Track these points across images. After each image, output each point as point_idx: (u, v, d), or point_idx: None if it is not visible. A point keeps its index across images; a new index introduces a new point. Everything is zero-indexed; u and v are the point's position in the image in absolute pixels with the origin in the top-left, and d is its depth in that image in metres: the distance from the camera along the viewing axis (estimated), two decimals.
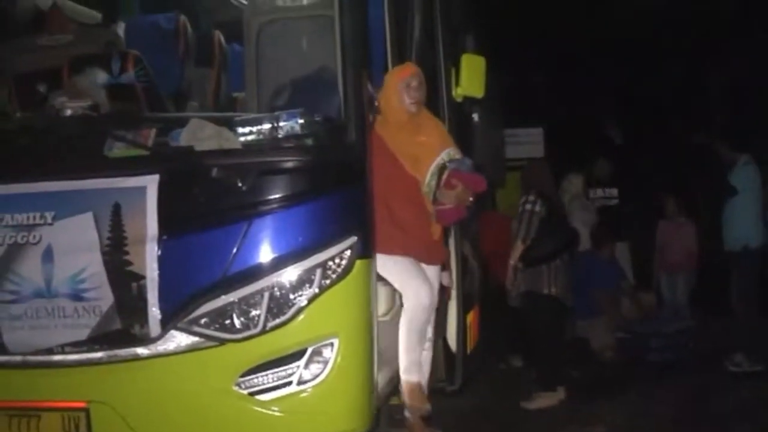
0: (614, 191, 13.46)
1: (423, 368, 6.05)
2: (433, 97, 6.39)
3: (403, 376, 5.91)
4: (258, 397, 4.93)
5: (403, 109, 5.89)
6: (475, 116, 8.40)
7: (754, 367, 9.86)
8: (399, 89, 5.85)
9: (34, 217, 5.01)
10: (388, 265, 5.69)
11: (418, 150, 5.94)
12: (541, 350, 8.96)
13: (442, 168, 5.90)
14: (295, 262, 4.91)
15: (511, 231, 9.04)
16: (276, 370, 4.92)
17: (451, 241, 6.21)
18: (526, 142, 14.57)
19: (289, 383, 4.93)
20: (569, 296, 9.07)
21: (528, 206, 8.80)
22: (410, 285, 5.88)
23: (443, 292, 6.27)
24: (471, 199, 6.05)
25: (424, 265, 5.98)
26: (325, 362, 4.95)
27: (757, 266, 10.34)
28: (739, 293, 10.28)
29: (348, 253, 4.98)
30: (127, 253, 4.91)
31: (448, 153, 5.96)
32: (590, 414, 8.39)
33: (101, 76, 5.52)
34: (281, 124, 4.98)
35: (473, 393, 7.55)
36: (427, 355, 6.13)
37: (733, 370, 9.91)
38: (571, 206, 11.29)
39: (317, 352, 4.94)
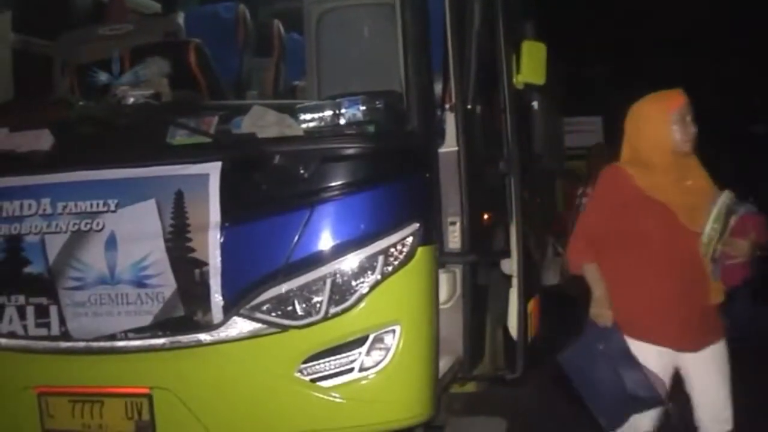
0: None
1: None
2: (494, 85, 6.34)
3: None
4: (320, 383, 4.94)
5: (673, 148, 5.03)
6: (535, 104, 8.35)
7: None
8: (670, 123, 5.01)
9: (98, 205, 5.07)
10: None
11: (691, 197, 5.01)
12: None
13: (729, 212, 4.95)
14: (357, 249, 4.91)
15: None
16: (338, 356, 4.93)
17: (512, 228, 6.16)
18: (585, 131, 14.47)
19: (351, 370, 4.94)
20: None
21: (584, 200, 8.72)
22: None
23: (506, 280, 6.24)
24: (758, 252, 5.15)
25: (686, 355, 5.11)
26: (387, 349, 4.95)
27: None
28: None
29: (410, 239, 4.97)
30: (189, 240, 4.94)
31: (727, 194, 5.00)
32: None
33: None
34: (343, 110, 4.98)
35: (533, 381, 7.50)
36: None
37: None
38: None
39: (379, 339, 4.94)
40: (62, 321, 5.12)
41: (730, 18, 17.44)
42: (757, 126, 18.13)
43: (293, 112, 5.09)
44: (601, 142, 13.52)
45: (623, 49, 17.91)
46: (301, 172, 4.89)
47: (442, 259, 5.44)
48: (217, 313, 4.92)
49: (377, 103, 5.05)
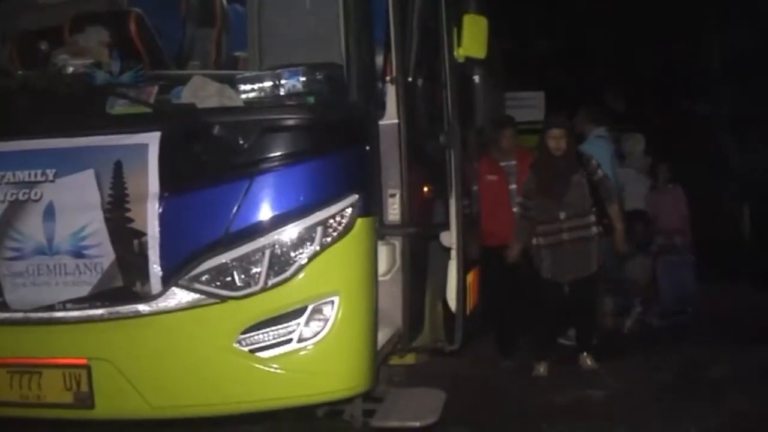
0: None
1: None
2: (435, 58, 6.36)
3: None
4: (258, 354, 4.96)
5: None
6: (476, 78, 8.36)
7: None
8: None
9: (36, 175, 5.03)
10: None
11: None
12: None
13: None
14: (296, 220, 4.92)
15: (579, 199, 8.91)
16: (276, 327, 4.94)
17: (452, 201, 6.19)
18: (527, 106, 14.48)
19: (290, 341, 4.95)
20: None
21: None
22: None
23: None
24: None
25: None
26: (326, 320, 4.97)
27: None
28: None
29: (349, 211, 4.99)
30: (128, 210, 4.93)
31: None
32: (589, 378, 8.40)
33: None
34: (283, 82, 5.00)
35: (472, 353, 7.57)
36: None
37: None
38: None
39: (317, 310, 4.96)
40: (0, 292, 5.09)
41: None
42: (699, 106, 18.24)
43: (233, 83, 5.09)
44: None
45: (566, 24, 17.98)
46: (241, 142, 4.90)
47: (381, 231, 5.47)
48: (155, 284, 4.92)
49: (317, 74, 5.07)
